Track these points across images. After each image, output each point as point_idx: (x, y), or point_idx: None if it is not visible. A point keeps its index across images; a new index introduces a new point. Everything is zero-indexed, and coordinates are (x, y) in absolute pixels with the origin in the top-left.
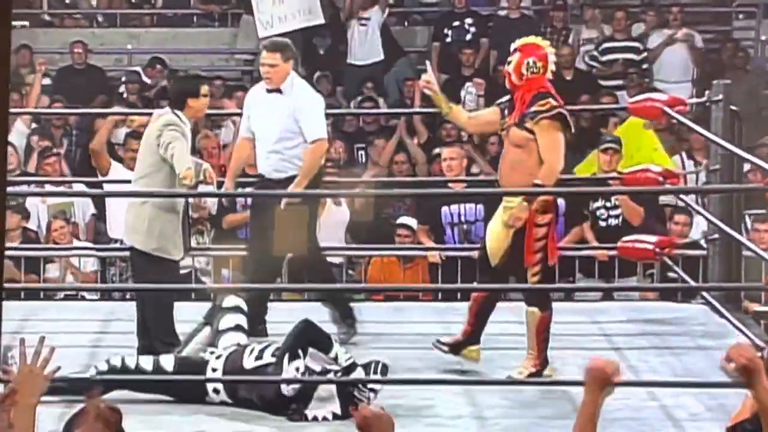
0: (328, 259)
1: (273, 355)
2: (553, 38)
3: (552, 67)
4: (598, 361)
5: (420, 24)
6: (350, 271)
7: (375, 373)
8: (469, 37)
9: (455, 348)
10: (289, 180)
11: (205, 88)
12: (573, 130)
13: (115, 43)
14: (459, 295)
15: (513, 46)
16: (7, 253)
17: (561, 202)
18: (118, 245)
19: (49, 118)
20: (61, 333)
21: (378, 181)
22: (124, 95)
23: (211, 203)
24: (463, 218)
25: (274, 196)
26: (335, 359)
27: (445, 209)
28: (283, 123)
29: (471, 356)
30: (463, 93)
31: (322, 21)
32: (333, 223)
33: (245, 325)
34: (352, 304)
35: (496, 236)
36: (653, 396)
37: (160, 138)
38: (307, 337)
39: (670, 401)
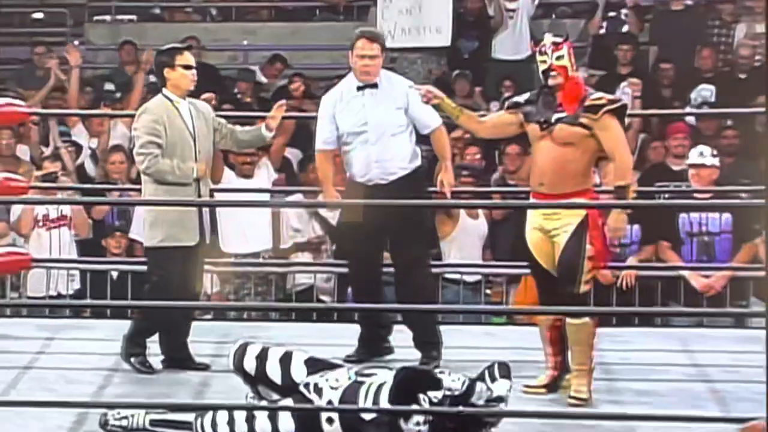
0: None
1: (390, 401)
2: (721, 33)
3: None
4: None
5: (569, 16)
6: (487, 291)
7: (496, 378)
8: (625, 28)
9: (551, 387)
10: (395, 183)
11: (182, 57)
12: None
13: (230, 38)
14: (614, 320)
15: (550, 40)
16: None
17: None
18: (233, 260)
19: None
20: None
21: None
22: (239, 96)
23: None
24: (705, 228)
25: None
26: (450, 389)
27: (683, 218)
28: (392, 118)
29: (568, 385)
30: (617, 93)
31: (448, 43)
32: (468, 238)
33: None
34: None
35: (545, 251)
36: None
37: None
38: (412, 389)
39: None
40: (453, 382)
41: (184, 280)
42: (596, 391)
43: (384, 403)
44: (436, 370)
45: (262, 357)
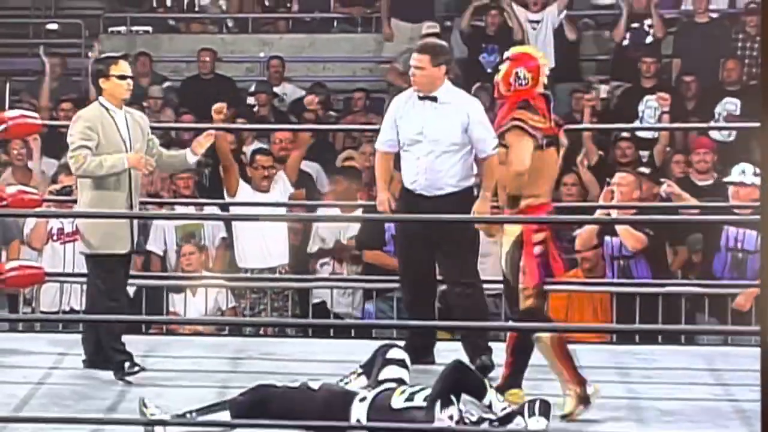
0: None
1: (425, 399)
2: (746, 46)
3: (544, 80)
4: None
5: (592, 28)
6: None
7: (534, 414)
8: (649, 40)
9: (583, 400)
10: (442, 199)
11: (118, 67)
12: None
13: (247, 50)
14: (637, 337)
15: (505, 55)
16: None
17: None
18: (248, 275)
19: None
20: (185, 371)
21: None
22: (255, 108)
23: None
24: (740, 245)
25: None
26: (489, 407)
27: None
28: (447, 134)
29: (513, 401)
30: (641, 107)
31: None
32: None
33: (408, 381)
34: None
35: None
36: None
37: None
38: (459, 381)
39: None
40: (499, 401)
41: (116, 285)
42: (619, 409)
43: (419, 402)
44: (488, 383)
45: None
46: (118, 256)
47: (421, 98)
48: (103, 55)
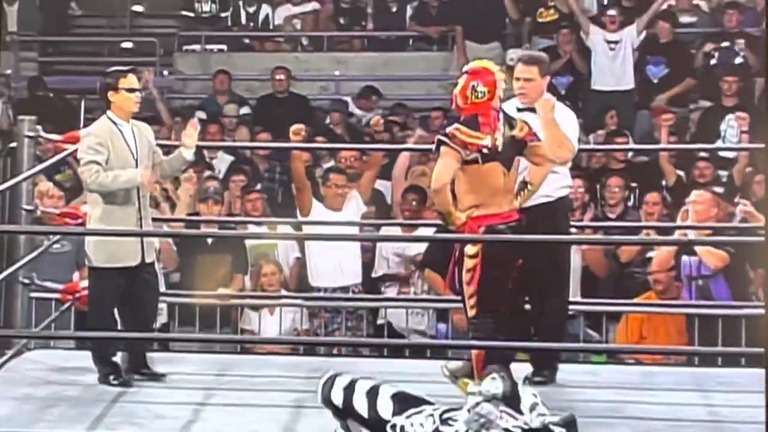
0: None
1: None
2: None
3: (500, 93)
4: None
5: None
6: (589, 330)
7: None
8: (738, 60)
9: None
10: (535, 210)
11: (126, 81)
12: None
13: (321, 69)
14: (720, 360)
15: (464, 68)
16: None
17: None
18: (321, 294)
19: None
20: (261, 390)
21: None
22: (330, 127)
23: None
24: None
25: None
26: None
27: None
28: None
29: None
30: (723, 126)
31: None
32: None
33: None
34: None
35: None
36: None
37: None
38: None
39: None
40: (534, 414)
41: (125, 299)
42: None
43: None
44: (532, 397)
45: (349, 389)
46: (124, 268)
47: (519, 110)
48: (112, 69)
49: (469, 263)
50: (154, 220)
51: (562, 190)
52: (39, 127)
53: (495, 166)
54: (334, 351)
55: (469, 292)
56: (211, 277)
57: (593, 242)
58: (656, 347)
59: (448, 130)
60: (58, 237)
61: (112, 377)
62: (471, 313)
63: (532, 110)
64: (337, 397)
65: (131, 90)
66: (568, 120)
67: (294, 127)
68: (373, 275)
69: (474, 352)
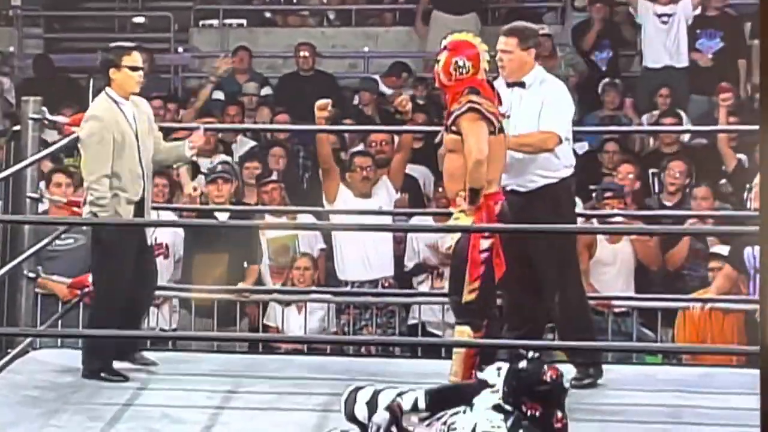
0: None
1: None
2: None
3: (485, 66)
4: None
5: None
6: (643, 329)
7: None
8: None
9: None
10: (535, 193)
11: (129, 58)
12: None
13: (349, 45)
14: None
15: (443, 44)
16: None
17: None
18: (349, 288)
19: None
20: (284, 393)
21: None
22: (359, 107)
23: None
24: None
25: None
26: None
27: None
28: (527, 122)
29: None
30: None
31: None
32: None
33: None
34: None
35: None
36: None
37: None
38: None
39: None
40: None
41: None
42: None
43: None
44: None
45: (372, 404)
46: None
47: (509, 85)
48: (115, 45)
49: (483, 255)
50: (154, 208)
51: (565, 170)
52: (44, 109)
53: (502, 138)
54: (363, 350)
55: (472, 278)
56: (220, 270)
57: (593, 231)
58: (703, 346)
59: (468, 100)
60: (65, 228)
61: (103, 374)
62: (468, 297)
63: (521, 85)
64: (361, 413)
65: (134, 68)
66: (555, 95)
67: (320, 102)
68: (405, 269)
69: (463, 349)
